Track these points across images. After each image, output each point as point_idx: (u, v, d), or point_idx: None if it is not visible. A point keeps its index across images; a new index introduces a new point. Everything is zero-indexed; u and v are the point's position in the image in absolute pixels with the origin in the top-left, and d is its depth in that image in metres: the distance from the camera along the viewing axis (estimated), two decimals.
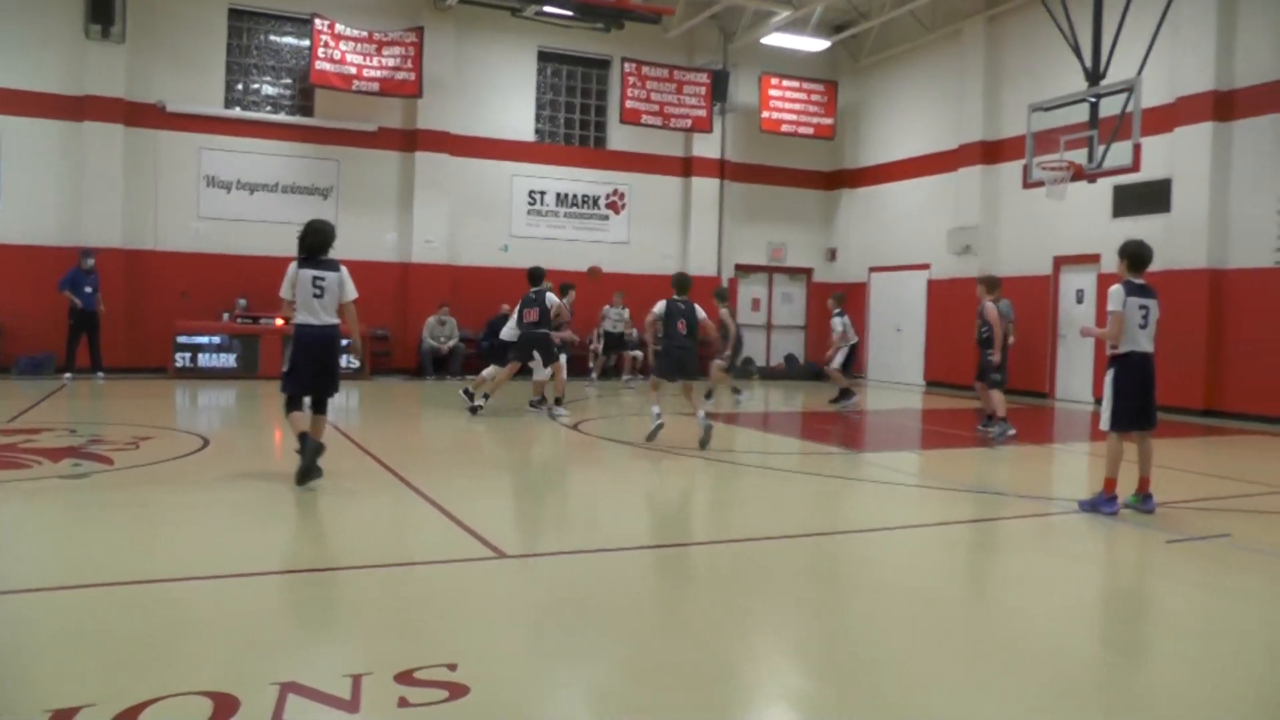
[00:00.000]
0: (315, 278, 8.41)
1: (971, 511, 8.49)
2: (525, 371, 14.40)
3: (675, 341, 11.47)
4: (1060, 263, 20.08)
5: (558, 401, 14.62)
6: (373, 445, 11.01)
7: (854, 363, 17.65)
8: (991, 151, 21.55)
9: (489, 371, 14.61)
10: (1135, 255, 8.24)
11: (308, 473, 8.17)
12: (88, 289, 17.74)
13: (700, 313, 11.74)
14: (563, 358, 14.86)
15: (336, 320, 8.56)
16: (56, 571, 5.71)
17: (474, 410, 14.01)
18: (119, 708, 3.69)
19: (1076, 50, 15.94)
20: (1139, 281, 8.19)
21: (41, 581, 5.45)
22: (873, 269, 25.17)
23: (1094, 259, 18.99)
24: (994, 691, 4.30)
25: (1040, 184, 16.59)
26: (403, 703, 3.79)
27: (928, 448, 13.22)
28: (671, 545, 7.12)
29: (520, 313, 14.19)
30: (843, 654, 4.77)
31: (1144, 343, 8.12)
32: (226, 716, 3.67)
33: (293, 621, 4.96)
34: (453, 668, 4.15)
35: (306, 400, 8.67)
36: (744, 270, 25.54)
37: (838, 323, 17.19)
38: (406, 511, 7.83)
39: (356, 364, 19.05)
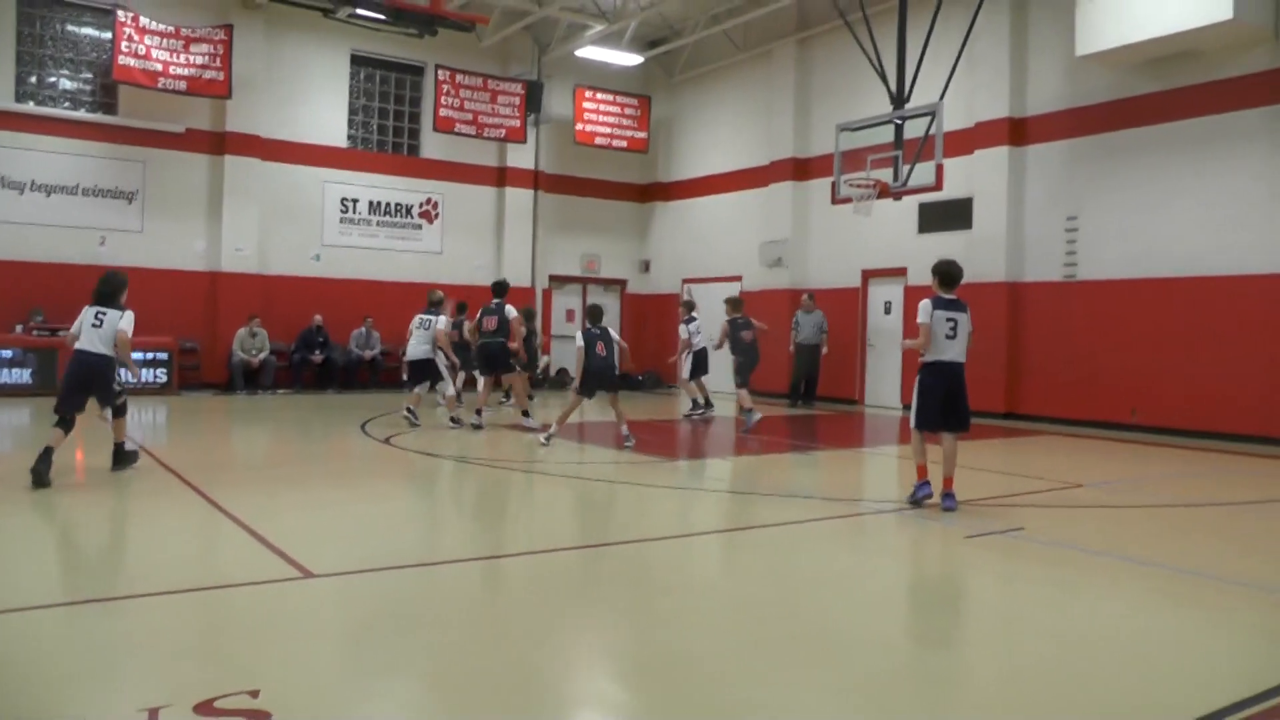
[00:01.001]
0: (98, 313, 9.56)
1: (781, 514, 8.66)
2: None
3: (595, 363, 12.69)
4: (869, 275, 20.75)
5: (525, 414, 14.95)
6: (176, 462, 10.60)
7: (704, 369, 17.84)
8: (802, 168, 22.13)
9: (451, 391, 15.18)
10: (945, 273, 8.87)
11: (39, 477, 8.70)
12: None
13: (614, 334, 13.17)
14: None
15: (109, 353, 9.51)
16: None
17: (477, 427, 14.47)
18: None
19: (882, 75, 16.49)
20: (949, 297, 8.76)
21: None
22: (686, 280, 25.48)
23: (901, 272, 19.69)
24: (804, 682, 4.43)
25: (848, 200, 17.09)
26: None
27: (741, 454, 13.44)
28: (483, 558, 7.02)
29: (480, 321, 14.70)
30: (654, 656, 4.81)
31: (950, 353, 8.67)
32: None
33: (82, 655, 4.66)
34: (255, 694, 4.01)
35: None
36: (558, 281, 25.57)
37: (684, 329, 17.62)
38: (210, 531, 7.55)
39: (164, 378, 18.43)
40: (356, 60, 22.75)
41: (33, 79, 19.69)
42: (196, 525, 7.77)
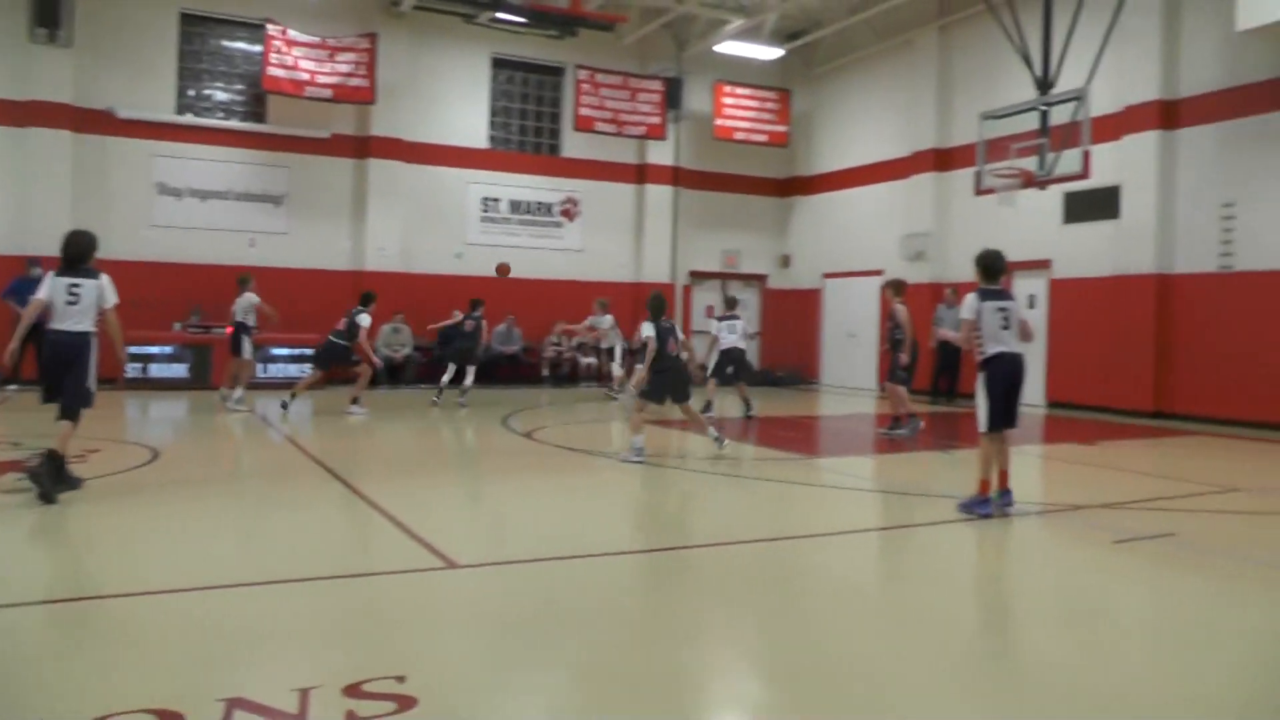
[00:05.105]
0: (70, 285, 8.15)
1: (920, 514, 8.54)
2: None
3: (667, 363, 11.05)
4: (1012, 268, 20.01)
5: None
6: (325, 456, 10.92)
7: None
8: (944, 159, 21.70)
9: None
10: (986, 265, 8.67)
11: (43, 490, 7.80)
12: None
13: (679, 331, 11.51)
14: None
15: (90, 329, 8.24)
16: (5, 588, 5.61)
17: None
18: None
19: (1026, 60, 16.12)
20: (994, 287, 8.56)
21: None
22: (826, 275, 25.24)
23: (1045, 264, 19.12)
24: (951, 692, 4.35)
25: (992, 191, 16.77)
26: (350, 716, 3.78)
27: (882, 452, 13.23)
28: (627, 553, 7.07)
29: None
30: (797, 657, 4.79)
31: (1010, 343, 8.35)
32: None
33: (238, 636, 4.88)
34: (401, 679, 4.13)
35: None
36: (698, 277, 25.54)
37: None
38: (354, 521, 7.78)
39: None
40: (497, 63, 23.08)
41: (191, 92, 20.60)
42: (341, 515, 8.03)
